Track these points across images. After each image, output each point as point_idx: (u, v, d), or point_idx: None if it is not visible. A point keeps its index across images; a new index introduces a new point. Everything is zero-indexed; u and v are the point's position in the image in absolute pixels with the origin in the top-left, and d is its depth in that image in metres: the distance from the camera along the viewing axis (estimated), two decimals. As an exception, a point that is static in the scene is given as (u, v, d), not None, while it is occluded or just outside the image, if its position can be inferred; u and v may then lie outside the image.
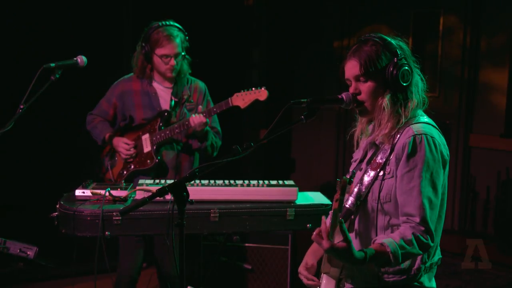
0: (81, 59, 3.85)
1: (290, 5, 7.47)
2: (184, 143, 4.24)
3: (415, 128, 2.47)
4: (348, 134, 2.76)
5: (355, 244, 2.58)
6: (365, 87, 2.54)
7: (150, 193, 2.69)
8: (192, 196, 2.59)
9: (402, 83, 2.50)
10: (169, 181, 3.57)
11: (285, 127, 2.59)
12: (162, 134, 4.12)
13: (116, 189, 3.55)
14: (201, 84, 4.35)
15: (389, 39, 2.55)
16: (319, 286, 2.64)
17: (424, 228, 2.39)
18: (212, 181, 3.58)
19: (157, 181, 3.65)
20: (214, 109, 4.06)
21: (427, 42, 7.19)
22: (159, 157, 4.18)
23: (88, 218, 3.33)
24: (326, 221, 2.30)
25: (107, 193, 3.48)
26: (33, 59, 3.91)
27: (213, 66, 3.98)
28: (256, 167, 7.31)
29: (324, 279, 2.61)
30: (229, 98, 4.03)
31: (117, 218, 3.34)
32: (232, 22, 6.90)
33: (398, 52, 2.52)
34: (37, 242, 3.80)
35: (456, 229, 7.05)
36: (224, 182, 3.59)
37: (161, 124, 4.14)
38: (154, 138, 4.15)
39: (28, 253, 3.71)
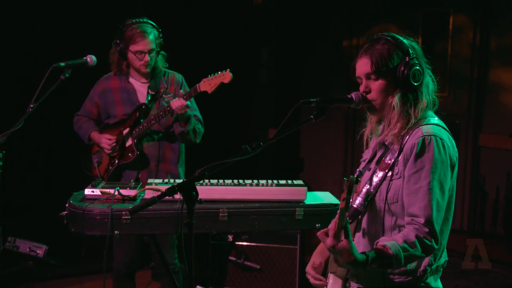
0: (91, 59, 3.87)
1: (298, 4, 7.46)
2: (164, 133, 4.28)
3: (425, 129, 2.46)
4: (358, 134, 2.75)
5: (363, 243, 2.58)
6: (376, 85, 2.53)
7: (159, 192, 2.68)
8: (201, 196, 2.59)
9: (413, 83, 2.49)
10: (178, 181, 3.58)
11: (294, 127, 2.59)
12: (141, 127, 4.17)
13: (125, 188, 3.55)
14: (177, 76, 4.39)
15: (401, 38, 2.54)
16: (326, 285, 2.64)
17: (429, 229, 2.38)
18: (221, 181, 3.58)
19: (166, 180, 3.65)
20: (184, 96, 4.06)
21: (437, 41, 7.17)
22: (140, 149, 4.22)
23: (97, 217, 3.34)
24: (333, 220, 2.30)
25: (116, 192, 3.48)
26: (43, 59, 3.92)
27: (221, 65, 3.96)
28: (265, 166, 7.30)
29: (331, 278, 2.61)
30: (197, 84, 4.03)
31: (126, 217, 3.34)
32: (240, 21, 6.90)
33: (410, 52, 2.51)
34: (46, 241, 3.83)
35: (466, 229, 7.03)
36: (233, 181, 3.58)
37: (139, 117, 4.19)
38: (133, 132, 4.20)
39: (38, 251, 3.74)
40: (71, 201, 3.48)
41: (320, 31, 7.69)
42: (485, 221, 6.93)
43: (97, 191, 3.53)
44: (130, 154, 4.22)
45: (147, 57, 4.14)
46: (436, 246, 2.40)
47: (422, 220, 2.38)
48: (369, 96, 2.55)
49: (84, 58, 3.88)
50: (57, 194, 3.97)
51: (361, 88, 2.57)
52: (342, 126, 7.63)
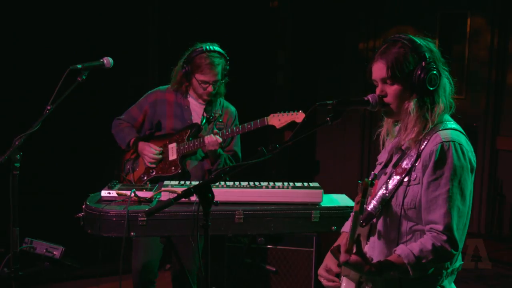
0: (107, 61, 3.88)
1: (315, 7, 7.45)
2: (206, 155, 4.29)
3: (443, 134, 2.44)
4: (375, 134, 2.74)
5: (378, 247, 2.57)
6: (392, 89, 2.52)
7: (175, 195, 2.68)
8: (217, 198, 2.59)
9: (429, 88, 2.47)
10: (194, 183, 3.58)
11: (311, 129, 2.58)
12: (191, 145, 4.16)
13: (141, 190, 3.57)
14: (232, 109, 4.41)
15: (418, 41, 2.52)
16: (339, 288, 2.64)
17: (447, 237, 2.36)
18: (237, 183, 3.59)
19: (182, 182, 3.66)
20: (248, 126, 4.11)
21: (454, 43, 7.13)
22: (183, 166, 4.22)
23: (114, 219, 3.35)
24: (343, 235, 2.32)
25: (133, 194, 3.49)
26: (60, 60, 3.94)
27: (238, 68, 3.97)
28: (281, 169, 7.30)
29: (344, 281, 2.61)
30: (265, 118, 4.10)
31: (143, 219, 3.35)
32: (257, 24, 6.90)
33: (427, 56, 2.48)
34: (63, 242, 3.84)
35: (483, 232, 6.97)
36: (249, 183, 3.59)
37: (189, 135, 4.18)
38: (181, 148, 4.18)
39: (54, 253, 3.74)
40: (88, 203, 3.50)
41: (336, 33, 7.67)
42: (502, 225, 6.88)
43: (113, 193, 3.54)
44: (173, 168, 4.20)
45: (210, 88, 4.15)
46: (455, 253, 2.39)
47: (440, 228, 2.36)
48: (385, 100, 2.54)
49: (101, 60, 3.89)
50: (74, 196, 3.99)
51: (377, 91, 2.56)
52: (358, 128, 7.61)
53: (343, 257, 2.30)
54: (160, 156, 4.22)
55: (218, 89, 4.24)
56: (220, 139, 4.06)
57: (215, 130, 4.21)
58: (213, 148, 4.09)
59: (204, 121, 4.26)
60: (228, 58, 4.23)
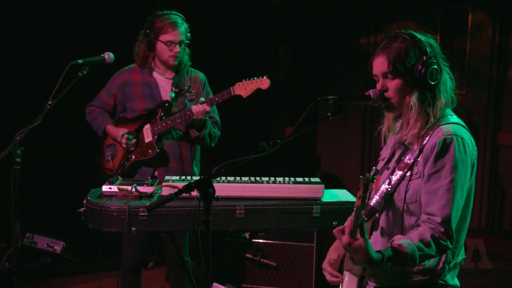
0: (108, 56, 3.88)
1: (316, 2, 7.45)
2: (184, 133, 4.25)
3: (445, 128, 2.45)
4: (376, 131, 2.74)
5: (381, 242, 2.57)
6: (393, 84, 2.52)
7: (176, 190, 2.69)
8: (218, 193, 2.59)
9: (430, 82, 2.48)
10: (195, 178, 3.59)
11: (312, 124, 2.58)
12: (164, 124, 4.12)
13: (142, 185, 3.57)
14: (200, 75, 4.36)
15: (419, 36, 2.52)
16: (342, 283, 2.63)
17: (444, 229, 2.37)
18: (238, 178, 3.58)
19: (183, 177, 3.66)
20: (216, 98, 4.03)
21: (455, 39, 7.12)
22: (160, 147, 4.18)
23: (115, 214, 3.35)
24: (350, 217, 2.30)
25: (134, 189, 3.50)
26: (61, 56, 3.94)
27: (239, 63, 3.97)
28: (282, 164, 7.30)
29: (347, 276, 2.61)
30: (231, 88, 4.01)
31: (143, 214, 3.35)
32: (258, 19, 6.89)
33: (428, 50, 2.49)
34: (64, 237, 3.85)
35: (484, 228, 6.98)
36: (250, 179, 3.58)
37: (162, 114, 4.14)
38: (155, 128, 4.15)
39: (56, 247, 3.75)
40: (89, 198, 3.50)
41: (337, 28, 7.67)
42: (503, 220, 6.88)
43: (114, 188, 3.54)
44: (150, 151, 4.17)
45: (177, 48, 4.10)
46: (450, 246, 2.39)
47: (439, 219, 2.37)
48: (386, 95, 2.54)
49: (102, 55, 3.89)
50: (75, 191, 3.99)
51: (378, 86, 2.56)
52: (359, 123, 7.61)
53: (346, 238, 2.25)
54: (135, 140, 4.19)
55: (182, 57, 4.19)
56: (208, 107, 4.00)
57: (186, 102, 4.18)
58: (202, 117, 4.04)
59: (173, 95, 4.21)
60: (189, 24, 4.19)
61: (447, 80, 2.55)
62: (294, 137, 2.58)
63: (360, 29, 7.63)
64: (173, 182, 3.50)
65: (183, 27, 4.12)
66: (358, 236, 2.25)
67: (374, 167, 2.63)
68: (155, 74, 4.25)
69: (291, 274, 4.84)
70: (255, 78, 3.99)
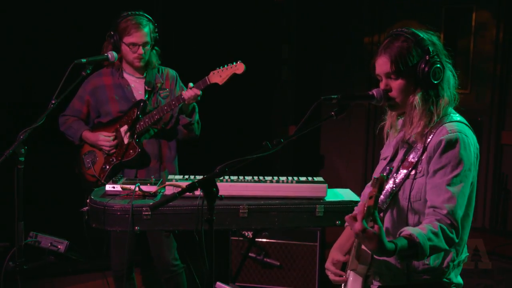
0: (112, 55, 3.89)
1: (319, 1, 7.43)
2: (161, 131, 4.24)
3: (449, 127, 2.46)
4: (378, 127, 2.74)
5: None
6: (396, 84, 2.52)
7: (179, 189, 2.69)
8: (221, 192, 2.60)
9: (433, 81, 2.48)
10: (199, 177, 3.59)
11: (315, 124, 2.58)
12: (142, 123, 4.11)
13: (145, 184, 3.57)
14: (171, 71, 4.35)
15: (421, 34, 2.52)
16: (346, 282, 2.63)
17: (450, 221, 2.37)
18: (241, 177, 3.58)
19: (186, 176, 3.66)
20: (195, 86, 4.02)
21: (459, 38, 7.10)
22: (141, 147, 4.17)
23: (118, 213, 3.36)
24: (360, 203, 2.28)
25: (137, 188, 3.50)
26: (65, 55, 3.94)
27: (243, 62, 3.95)
28: (285, 163, 7.29)
29: (351, 276, 2.60)
30: (206, 77, 4.00)
31: (147, 213, 3.36)
32: (262, 19, 6.89)
33: (430, 49, 2.49)
34: (67, 236, 3.85)
35: (488, 227, 6.96)
36: (253, 178, 3.58)
37: (138, 113, 4.11)
38: (134, 129, 4.12)
39: (59, 247, 3.75)
40: (92, 197, 3.50)
41: (341, 27, 7.65)
42: (507, 220, 6.86)
43: (118, 187, 3.55)
44: (131, 151, 4.14)
45: (140, 50, 4.08)
46: (456, 240, 2.39)
47: (444, 211, 2.37)
48: (390, 94, 2.55)
49: (106, 54, 3.90)
50: (79, 190, 3.99)
51: (381, 86, 2.57)
52: (363, 123, 7.59)
53: (359, 225, 2.18)
54: (117, 141, 4.17)
55: (149, 57, 4.18)
56: (198, 91, 3.98)
57: (160, 100, 4.18)
58: (193, 101, 4.04)
59: (147, 95, 4.19)
60: (156, 24, 4.17)
61: (450, 78, 2.56)
62: (297, 137, 2.59)
63: (364, 28, 7.61)
64: (177, 181, 3.51)
65: (147, 28, 4.09)
66: (370, 224, 2.22)
67: (387, 167, 2.64)
68: (125, 75, 4.23)
69: (294, 273, 4.84)
70: (229, 64, 3.98)
